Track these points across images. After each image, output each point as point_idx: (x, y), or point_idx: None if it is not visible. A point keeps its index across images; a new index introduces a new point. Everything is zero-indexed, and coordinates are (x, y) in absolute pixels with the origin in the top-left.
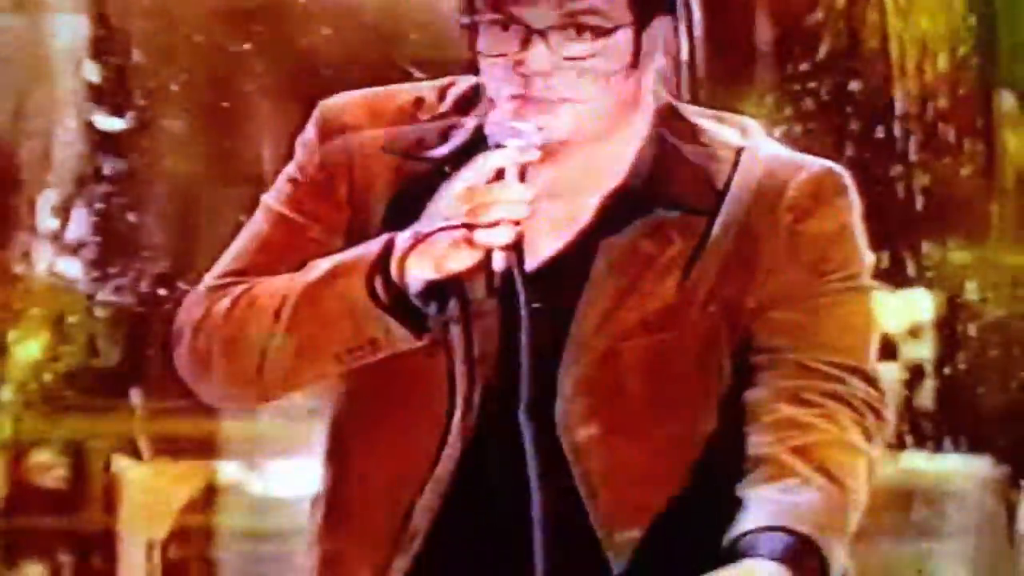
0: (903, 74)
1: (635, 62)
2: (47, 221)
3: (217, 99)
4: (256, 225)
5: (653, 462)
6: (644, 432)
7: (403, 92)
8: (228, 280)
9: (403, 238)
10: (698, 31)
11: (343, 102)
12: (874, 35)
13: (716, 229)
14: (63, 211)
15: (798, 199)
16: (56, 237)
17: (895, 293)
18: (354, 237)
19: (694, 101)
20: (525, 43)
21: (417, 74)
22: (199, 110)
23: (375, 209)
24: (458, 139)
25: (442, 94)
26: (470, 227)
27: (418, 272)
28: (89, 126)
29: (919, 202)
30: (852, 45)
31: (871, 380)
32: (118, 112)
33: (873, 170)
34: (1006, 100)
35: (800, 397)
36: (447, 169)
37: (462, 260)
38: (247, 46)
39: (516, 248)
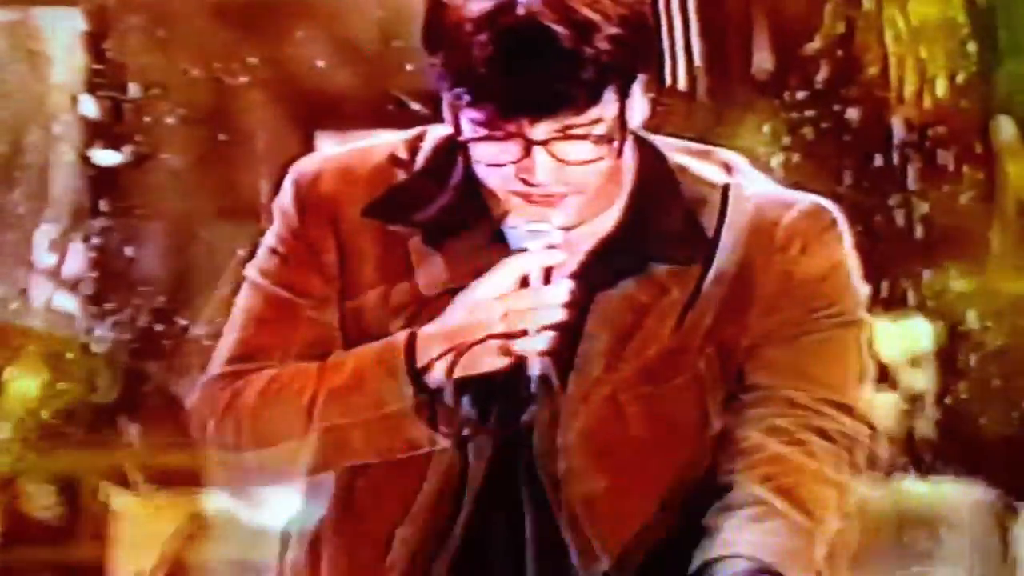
0: (901, 102)
1: (624, 137)
2: (44, 256)
3: (214, 133)
4: (248, 304)
5: (654, 509)
6: (649, 481)
7: (375, 150)
8: (239, 367)
9: (428, 340)
10: (697, 60)
11: (317, 167)
12: (873, 63)
13: (710, 275)
14: (60, 246)
15: (789, 239)
16: (53, 272)
17: (895, 322)
18: (348, 307)
19: (692, 129)
20: (526, 153)
21: (414, 105)
22: (196, 144)
23: (364, 274)
24: (441, 201)
25: (414, 148)
26: (506, 336)
27: (440, 376)
28: (86, 161)
29: (919, 230)
30: (850, 73)
31: (858, 416)
32: (115, 147)
33: (872, 198)
34: (1005, 127)
35: (778, 428)
36: (433, 232)
37: (494, 364)
38: (244, 79)
39: (552, 353)
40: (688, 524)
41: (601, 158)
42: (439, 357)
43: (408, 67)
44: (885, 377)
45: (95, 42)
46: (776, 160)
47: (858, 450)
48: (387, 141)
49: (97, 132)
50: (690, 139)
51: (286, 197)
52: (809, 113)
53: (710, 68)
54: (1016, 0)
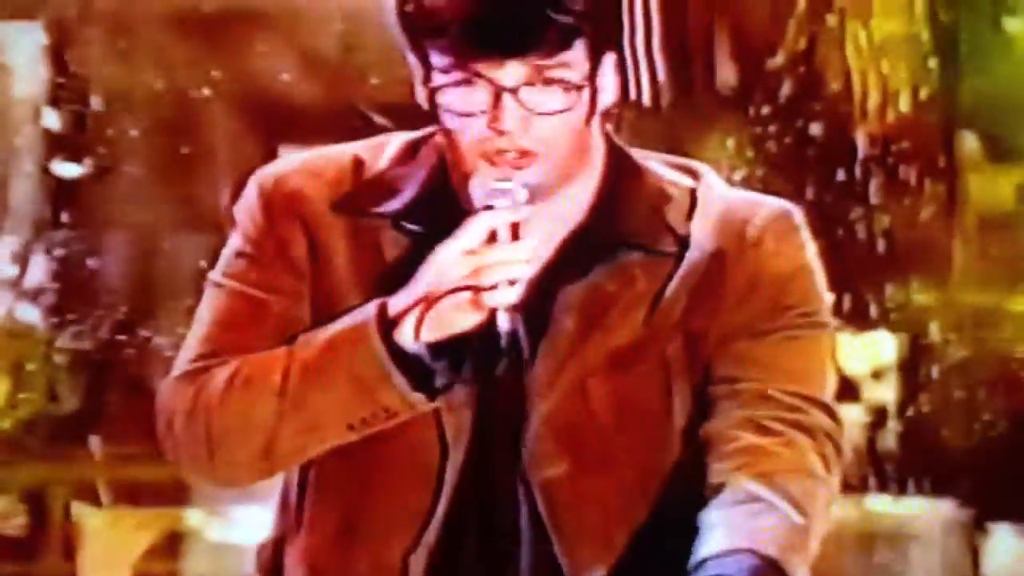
0: (864, 117)
1: (593, 108)
2: (5, 268)
3: (176, 146)
4: (215, 305)
5: (620, 497)
6: (612, 467)
7: (340, 154)
8: (203, 363)
9: (397, 303)
10: (660, 75)
11: (282, 169)
12: (836, 78)
13: (682, 268)
14: (22, 258)
15: (760, 236)
16: (15, 284)
17: (858, 335)
18: (319, 302)
19: (657, 144)
20: (496, 100)
21: (377, 119)
22: (158, 157)
23: (335, 270)
24: (409, 192)
25: (378, 153)
26: (475, 289)
27: (426, 335)
28: (47, 173)
29: (881, 244)
30: (813, 88)
31: (830, 412)
32: (77, 159)
33: (835, 212)
34: (968, 142)
35: (761, 425)
36: (403, 222)
37: (466, 322)
38: (207, 92)
39: (520, 309)
40: (669, 522)
41: (570, 109)
42: (411, 315)
43: (372, 80)
44: (848, 390)
45: (57, 55)
46: (740, 174)
47: (833, 447)
48: (350, 147)
49: (59, 144)
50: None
51: (250, 199)
52: (772, 128)
53: (674, 83)
54: (978, 16)
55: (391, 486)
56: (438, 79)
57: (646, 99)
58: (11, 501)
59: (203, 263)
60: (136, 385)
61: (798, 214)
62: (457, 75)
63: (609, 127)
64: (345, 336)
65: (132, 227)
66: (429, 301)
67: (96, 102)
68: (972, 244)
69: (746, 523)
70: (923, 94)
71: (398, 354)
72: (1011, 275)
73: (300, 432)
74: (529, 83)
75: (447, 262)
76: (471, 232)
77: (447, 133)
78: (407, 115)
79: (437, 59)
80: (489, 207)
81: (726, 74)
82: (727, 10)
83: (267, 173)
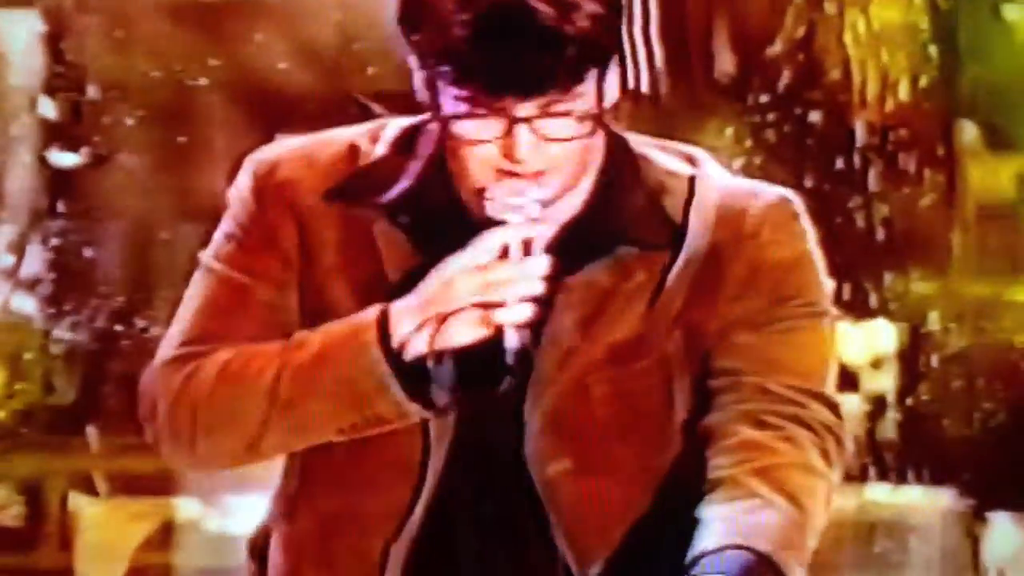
0: (864, 105)
1: (601, 113)
2: (2, 258)
3: (173, 134)
4: (203, 289)
5: (621, 492)
6: (613, 463)
7: (335, 140)
8: (190, 349)
9: (399, 312)
10: (659, 63)
11: (276, 155)
12: (835, 66)
13: (680, 260)
14: (18, 247)
15: (758, 226)
16: (11, 274)
17: (857, 324)
18: (307, 291)
19: (654, 133)
20: (509, 129)
21: (375, 107)
22: (155, 146)
23: (324, 260)
24: (404, 183)
25: (374, 139)
26: (486, 306)
27: (420, 347)
28: (44, 162)
29: (880, 233)
30: (812, 76)
31: (831, 405)
32: (73, 148)
33: (834, 201)
34: (967, 130)
35: (761, 420)
36: (399, 214)
37: (471, 336)
38: (203, 81)
39: (531, 325)
40: (668, 516)
41: (582, 135)
42: (418, 329)
43: (369, 69)
44: (847, 380)
45: (53, 43)
46: (738, 163)
47: (834, 440)
48: (346, 132)
49: (55, 133)
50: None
51: (243, 183)
52: (771, 116)
53: (672, 71)
54: (978, 4)
55: (374, 479)
56: (450, 108)
57: (644, 88)
58: (8, 492)
59: (200, 253)
60: (133, 375)
61: (797, 201)
62: (470, 108)
63: (608, 116)
64: (343, 343)
65: (129, 216)
66: (442, 318)
67: (93, 91)
68: (972, 233)
69: (742, 519)
70: (922, 82)
71: (397, 365)
72: (1011, 264)
73: (287, 431)
74: (542, 115)
75: (457, 276)
76: (483, 247)
77: (453, 142)
78: (405, 104)
79: (450, 91)
80: (501, 222)
81: (724, 62)
82: None
83: (261, 158)
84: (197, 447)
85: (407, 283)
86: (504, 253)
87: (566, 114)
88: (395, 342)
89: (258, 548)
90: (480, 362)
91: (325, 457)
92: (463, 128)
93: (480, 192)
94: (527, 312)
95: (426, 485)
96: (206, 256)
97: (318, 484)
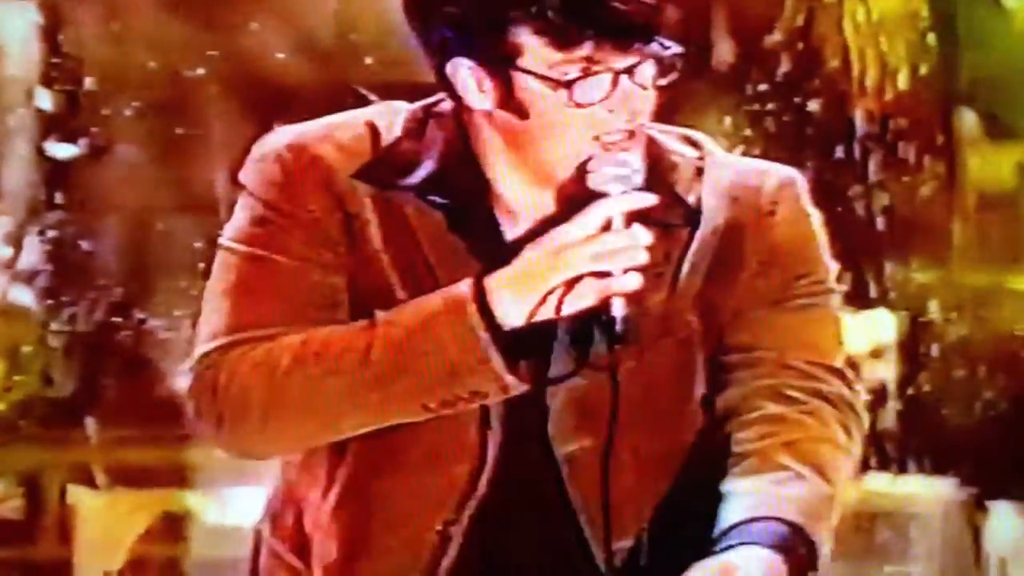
0: (863, 93)
1: (683, 59)
2: None
3: (171, 126)
4: (240, 275)
5: (645, 470)
6: (638, 441)
7: (352, 121)
8: (248, 334)
9: (498, 284)
10: None
11: (297, 138)
12: (834, 55)
13: (697, 238)
14: (16, 239)
15: (773, 204)
16: (9, 266)
17: (857, 314)
18: (356, 272)
19: (653, 121)
20: (614, 84)
21: (372, 98)
22: (153, 137)
23: (369, 241)
24: (429, 166)
25: (389, 121)
26: (600, 275)
27: (517, 319)
28: (41, 154)
29: (880, 222)
30: (811, 65)
31: (847, 380)
32: (71, 140)
33: (833, 190)
34: (967, 119)
35: (783, 394)
36: (427, 196)
37: (579, 306)
38: (201, 72)
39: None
40: (692, 491)
41: (672, 78)
42: (543, 298)
43: (367, 60)
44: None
45: (50, 35)
46: (737, 152)
47: (854, 415)
48: (361, 113)
49: (53, 125)
50: None
51: (271, 168)
52: (770, 105)
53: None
54: None
55: (429, 460)
56: (560, 73)
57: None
58: (7, 484)
59: (198, 244)
60: (132, 367)
61: (801, 180)
62: (583, 66)
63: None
64: (437, 317)
65: (127, 208)
66: (569, 285)
67: (90, 82)
68: (971, 222)
69: (772, 491)
70: (922, 71)
71: (498, 336)
72: (1011, 253)
73: (371, 410)
74: (637, 63)
75: (566, 247)
76: (590, 217)
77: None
78: (402, 94)
79: (555, 56)
80: (605, 194)
81: (723, 51)
82: None
83: (282, 141)
84: (268, 430)
85: (447, 265)
86: (607, 225)
87: (659, 60)
88: (497, 314)
89: (277, 517)
90: (583, 332)
91: (375, 440)
92: (578, 94)
93: (568, 164)
94: (636, 281)
95: (487, 463)
96: (232, 243)
97: (368, 467)
